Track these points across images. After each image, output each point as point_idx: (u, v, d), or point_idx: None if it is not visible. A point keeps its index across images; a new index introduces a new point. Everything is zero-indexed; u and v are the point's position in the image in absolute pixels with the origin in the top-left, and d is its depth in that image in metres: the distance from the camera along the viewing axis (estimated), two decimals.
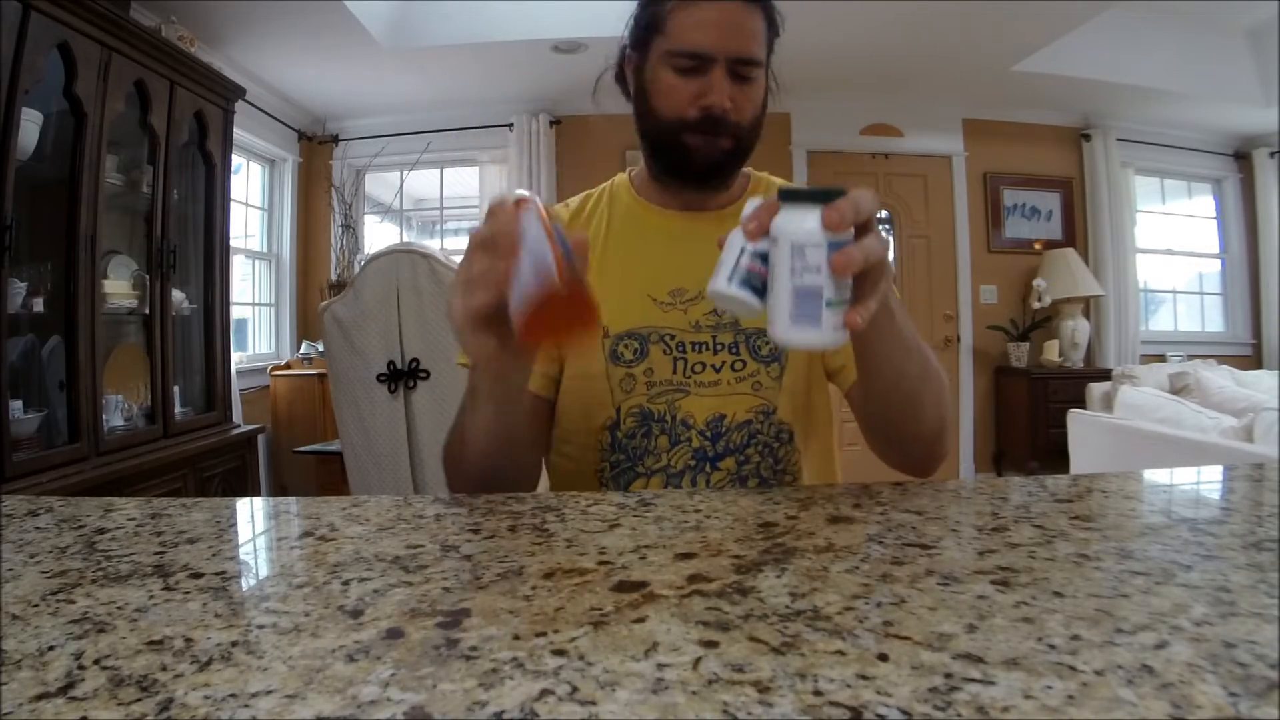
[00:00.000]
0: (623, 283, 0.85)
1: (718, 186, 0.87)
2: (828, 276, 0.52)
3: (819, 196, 0.53)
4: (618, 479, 0.84)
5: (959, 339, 4.48)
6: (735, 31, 0.78)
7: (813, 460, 0.87)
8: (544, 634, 0.35)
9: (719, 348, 0.84)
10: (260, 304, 4.13)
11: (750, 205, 0.57)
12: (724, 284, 0.57)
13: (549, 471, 0.95)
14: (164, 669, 0.32)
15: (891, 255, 4.71)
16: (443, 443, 0.76)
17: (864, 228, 0.55)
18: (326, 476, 2.92)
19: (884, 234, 0.58)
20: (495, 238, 0.55)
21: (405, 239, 4.49)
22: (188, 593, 0.41)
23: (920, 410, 0.71)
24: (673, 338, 0.84)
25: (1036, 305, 4.30)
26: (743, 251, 0.57)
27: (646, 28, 0.82)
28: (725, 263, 0.58)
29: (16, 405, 1.93)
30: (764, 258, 0.56)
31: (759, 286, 0.56)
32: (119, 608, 0.39)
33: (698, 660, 0.32)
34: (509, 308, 0.54)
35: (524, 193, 0.60)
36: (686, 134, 0.81)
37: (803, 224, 0.53)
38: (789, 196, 0.54)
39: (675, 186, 0.88)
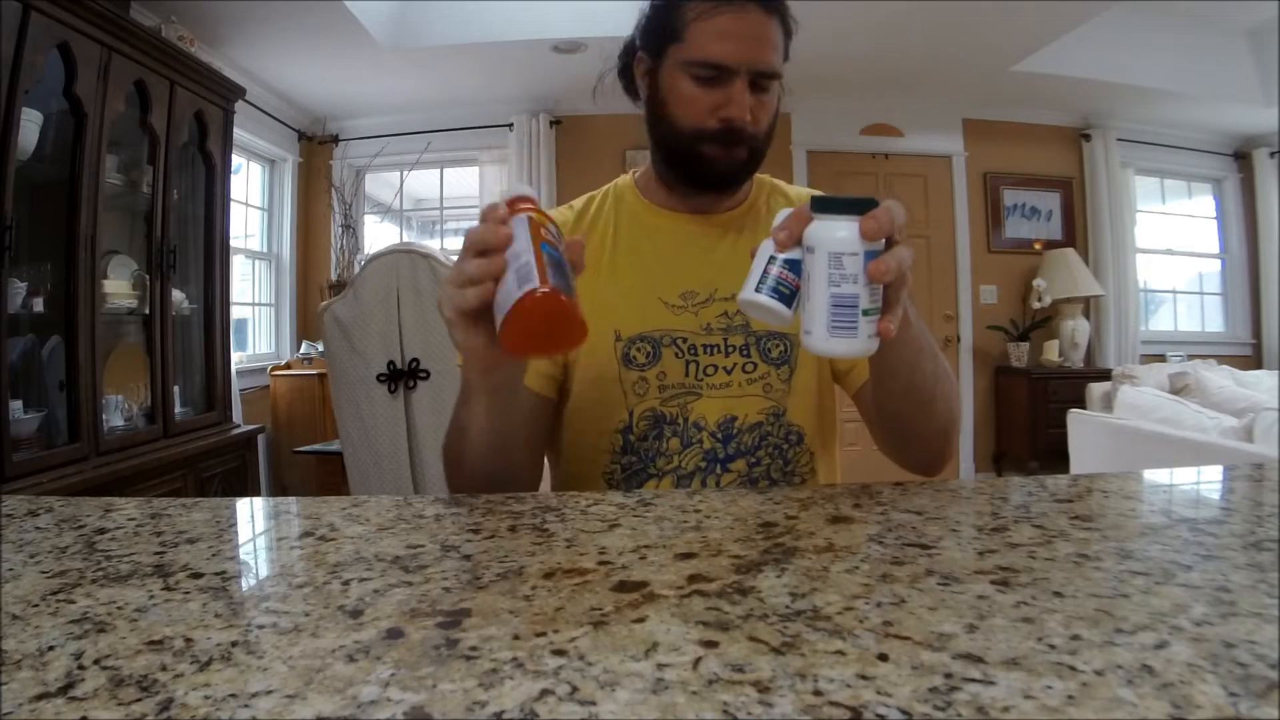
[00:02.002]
0: (634, 286, 0.85)
1: (731, 193, 0.88)
2: (864, 285, 0.54)
3: (852, 206, 0.54)
4: (628, 481, 0.84)
5: (959, 339, 4.48)
6: (757, 44, 0.77)
7: (821, 461, 0.88)
8: (544, 634, 0.35)
9: (730, 350, 0.83)
10: (260, 304, 4.13)
11: (782, 215, 0.58)
12: (753, 293, 0.58)
13: (556, 477, 0.94)
14: (164, 669, 0.32)
15: None
16: (442, 443, 0.76)
17: (893, 237, 0.56)
18: (326, 476, 2.92)
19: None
20: (485, 242, 0.55)
21: (405, 239, 4.49)
22: (188, 593, 0.41)
23: (933, 407, 0.73)
24: (684, 340, 0.83)
25: (1036, 305, 4.29)
26: (772, 260, 0.58)
27: (662, 33, 0.81)
28: (755, 271, 0.59)
29: (16, 405, 1.93)
30: (792, 266, 0.57)
31: (788, 295, 0.57)
32: (119, 608, 0.39)
33: (698, 660, 0.32)
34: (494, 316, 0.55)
35: (524, 189, 0.60)
36: (705, 144, 0.80)
37: (839, 233, 0.54)
38: (823, 206, 0.55)
39: (687, 193, 0.87)
